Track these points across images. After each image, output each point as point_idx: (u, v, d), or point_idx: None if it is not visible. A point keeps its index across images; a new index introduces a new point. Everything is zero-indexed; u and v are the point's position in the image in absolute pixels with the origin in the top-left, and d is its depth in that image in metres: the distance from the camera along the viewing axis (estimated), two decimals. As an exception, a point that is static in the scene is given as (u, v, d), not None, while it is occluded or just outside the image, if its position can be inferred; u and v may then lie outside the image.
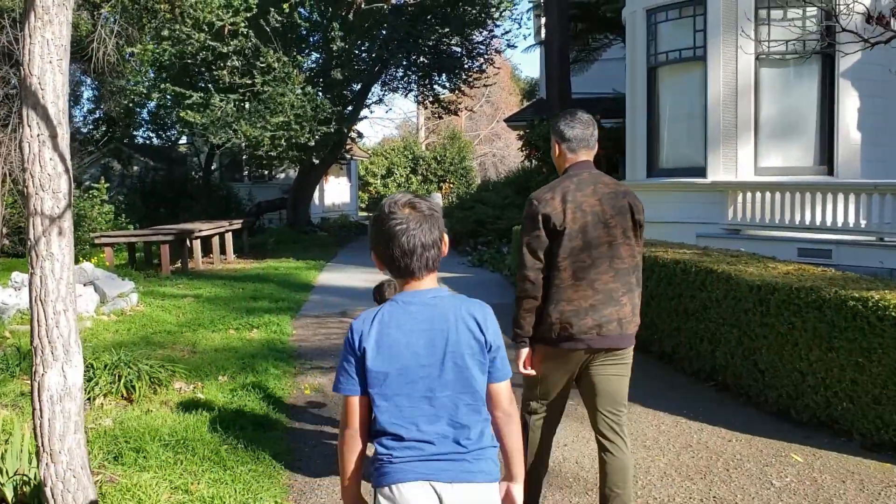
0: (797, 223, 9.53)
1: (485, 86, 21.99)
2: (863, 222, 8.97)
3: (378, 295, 4.79)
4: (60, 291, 3.23)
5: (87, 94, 23.63)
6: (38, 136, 3.11)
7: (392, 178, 43.37)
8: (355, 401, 2.14)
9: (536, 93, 65.68)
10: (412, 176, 43.64)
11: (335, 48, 14.82)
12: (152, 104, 20.34)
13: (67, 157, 3.25)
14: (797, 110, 10.33)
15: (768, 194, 9.85)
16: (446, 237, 2.26)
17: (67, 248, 3.26)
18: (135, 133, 23.15)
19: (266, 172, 26.74)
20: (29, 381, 6.74)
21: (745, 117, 10.25)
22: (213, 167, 23.01)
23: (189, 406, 5.80)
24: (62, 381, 3.34)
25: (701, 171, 10.58)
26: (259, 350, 7.74)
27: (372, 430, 2.16)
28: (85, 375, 5.94)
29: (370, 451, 2.14)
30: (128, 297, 10.22)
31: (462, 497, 2.08)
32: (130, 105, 18.17)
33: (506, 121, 27.49)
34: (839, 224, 9.16)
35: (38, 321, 3.24)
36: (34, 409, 3.39)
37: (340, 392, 2.15)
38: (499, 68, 22.72)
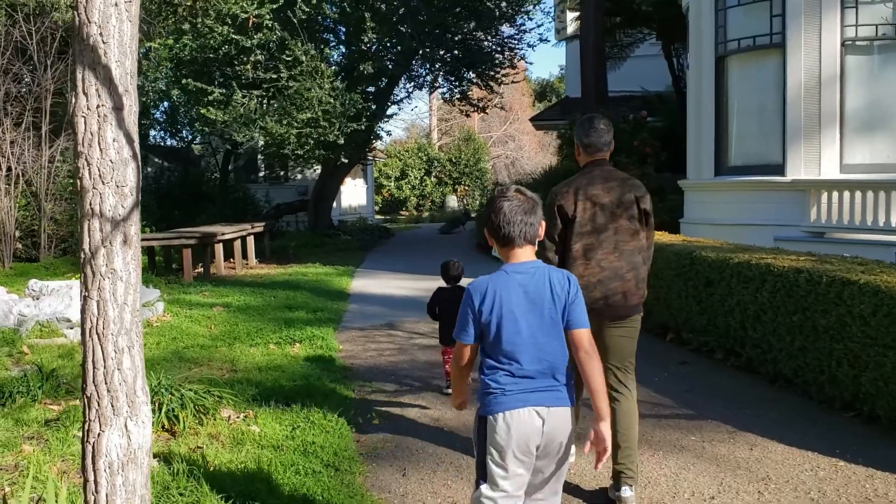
0: (894, 226, 8.61)
1: (513, 82, 21.09)
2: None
3: (444, 271, 6.09)
4: (124, 321, 2.34)
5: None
6: (99, 107, 2.21)
7: (406, 181, 42.53)
8: (468, 348, 2.82)
9: (548, 93, 65.11)
10: (426, 178, 42.81)
11: (366, 40, 13.94)
12: (166, 103, 19.52)
13: (135, 137, 2.36)
14: (886, 102, 9.42)
15: (858, 194, 8.94)
16: (544, 223, 2.90)
17: (134, 262, 2.36)
18: (151, 132, 22.25)
19: (283, 173, 25.92)
20: (54, 407, 5.89)
21: (829, 109, 9.34)
22: (229, 168, 22.14)
23: (243, 440, 4.91)
24: (125, 442, 2.46)
25: (778, 169, 9.68)
26: (308, 369, 6.85)
27: (484, 369, 2.78)
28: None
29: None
30: (153, 306, 9.35)
31: (557, 417, 2.72)
32: (146, 102, 17.24)
33: (531, 120, 26.59)
34: (945, 226, 8.25)
35: (93, 361, 2.35)
36: (86, 481, 2.50)
37: (460, 340, 2.83)
38: (520, 69, 21.77)
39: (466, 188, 42.77)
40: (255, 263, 15.81)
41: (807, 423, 5.21)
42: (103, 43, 2.20)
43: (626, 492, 3.98)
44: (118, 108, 2.25)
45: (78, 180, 2.28)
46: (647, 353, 7.39)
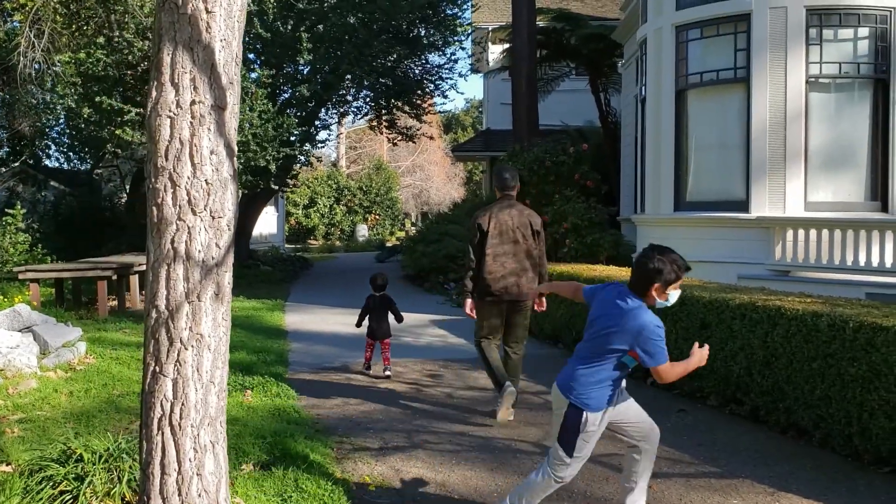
0: (862, 265, 8.51)
1: (439, 112, 20.69)
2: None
3: (372, 282, 8.08)
4: (209, 408, 1.63)
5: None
6: (194, 104, 1.53)
7: (315, 209, 41.45)
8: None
9: (454, 125, 65.36)
10: (336, 206, 41.84)
11: (302, 61, 13.19)
12: (62, 122, 18.13)
13: (234, 146, 1.66)
14: (849, 140, 9.42)
15: (825, 232, 8.84)
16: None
17: (225, 323, 1.66)
18: (48, 153, 20.63)
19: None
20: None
21: (794, 146, 9.25)
22: (138, 192, 20.76)
23: (224, 518, 4.10)
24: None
25: (742, 206, 9.50)
26: (273, 423, 6.04)
27: (611, 370, 3.89)
28: (73, 471, 4.29)
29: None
30: (75, 346, 8.28)
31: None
32: (42, 123, 15.83)
33: (453, 151, 26.27)
34: (916, 266, 8.19)
35: (161, 465, 1.62)
36: None
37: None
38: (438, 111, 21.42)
39: (377, 217, 42.06)
40: (172, 296, 14.65)
41: (845, 481, 4.81)
42: (207, 12, 1.50)
43: (507, 385, 6.09)
44: (220, 108, 1.58)
45: (153, 207, 1.57)
46: (638, 400, 6.93)
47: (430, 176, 55.20)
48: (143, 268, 11.54)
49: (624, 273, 8.75)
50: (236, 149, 1.73)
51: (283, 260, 20.97)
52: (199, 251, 1.60)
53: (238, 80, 1.68)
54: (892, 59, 9.21)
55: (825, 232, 8.84)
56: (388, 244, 30.94)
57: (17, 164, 19.85)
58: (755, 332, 6.04)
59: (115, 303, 12.61)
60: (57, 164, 21.86)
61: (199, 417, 1.64)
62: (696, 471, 5.08)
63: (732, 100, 9.68)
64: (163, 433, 1.63)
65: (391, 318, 8.04)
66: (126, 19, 13.50)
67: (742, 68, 9.48)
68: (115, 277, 11.97)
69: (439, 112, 20.77)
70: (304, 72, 14.67)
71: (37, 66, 15.01)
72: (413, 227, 42.18)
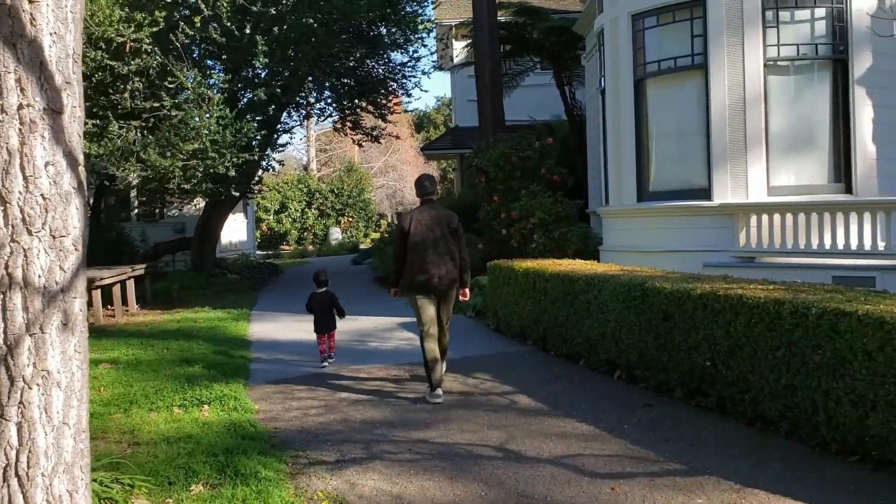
0: (828, 248, 8.43)
1: (405, 111, 20.51)
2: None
3: (316, 278, 8.72)
4: (64, 452, 1.44)
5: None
6: (22, 109, 1.32)
7: (286, 213, 41.07)
8: None
9: (425, 124, 65.25)
10: (308, 210, 41.48)
11: (258, 64, 12.93)
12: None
13: (80, 157, 1.46)
14: (810, 122, 9.34)
15: (789, 216, 8.75)
16: None
17: (79, 356, 1.46)
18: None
19: (158, 211, 24.20)
20: None
21: (755, 131, 9.16)
22: (100, 206, 20.36)
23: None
24: None
25: (705, 193, 9.41)
26: (226, 438, 5.82)
27: None
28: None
29: None
30: (25, 369, 7.99)
31: None
32: None
33: (423, 150, 26.08)
34: (881, 247, 8.11)
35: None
36: None
37: None
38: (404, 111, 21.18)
39: (350, 220, 41.76)
40: (137, 310, 14.34)
41: (813, 473, 4.69)
42: (29, 2, 1.31)
43: (438, 396, 6.85)
44: (55, 111, 1.39)
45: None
46: (603, 395, 6.81)
47: (404, 176, 54.96)
48: (108, 280, 11.14)
49: (588, 267, 8.62)
50: (81, 158, 1.53)
51: (251, 267, 20.67)
52: (40, 276, 1.40)
53: (78, 79, 1.48)
54: (850, 39, 9.14)
55: (789, 216, 8.76)
56: (363, 246, 30.67)
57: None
58: (717, 322, 5.92)
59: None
60: None
61: (52, 465, 1.44)
62: (661, 469, 4.93)
63: (691, 87, 9.58)
64: (9, 485, 1.43)
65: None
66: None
67: (699, 54, 9.38)
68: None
69: (408, 111, 20.62)
70: (263, 75, 14.40)
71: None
72: (388, 228, 41.93)
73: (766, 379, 5.47)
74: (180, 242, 19.56)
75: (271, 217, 40.98)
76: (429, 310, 6.93)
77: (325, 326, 8.59)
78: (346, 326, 11.04)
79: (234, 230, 29.93)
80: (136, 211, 24.08)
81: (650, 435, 5.61)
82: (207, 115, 12.54)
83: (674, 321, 6.41)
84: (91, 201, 19.14)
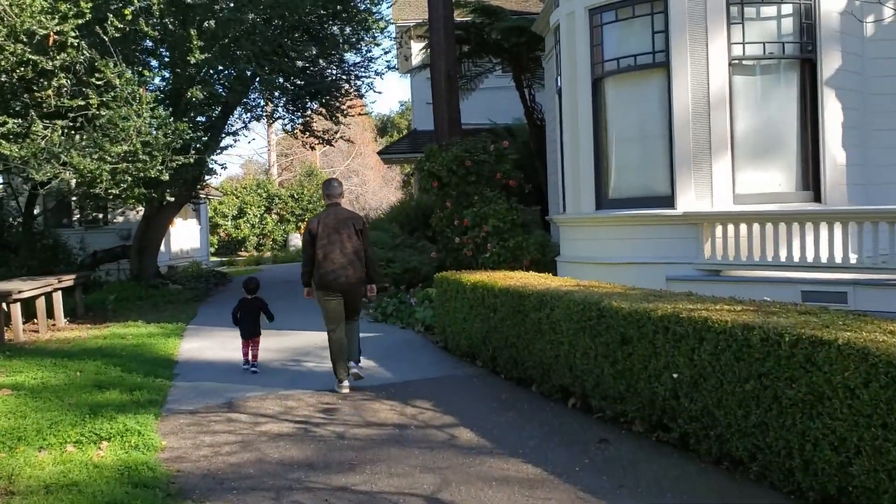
0: (797, 261, 7.82)
1: (360, 114, 19.74)
2: (882, 257, 7.36)
3: (246, 285, 9.06)
4: None
5: None
6: None
7: (245, 219, 40.01)
8: None
9: (389, 128, 64.54)
10: (267, 216, 40.45)
11: (193, 61, 12.04)
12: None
13: None
14: (777, 126, 8.75)
15: (756, 226, 8.13)
16: None
17: None
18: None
19: (101, 216, 23.11)
20: None
21: (720, 135, 8.53)
22: (35, 211, 19.24)
23: None
24: None
25: (667, 201, 8.76)
26: (117, 487, 5.02)
27: None
28: None
29: None
30: None
31: None
32: None
33: (380, 153, 25.30)
34: (852, 261, 7.52)
35: None
36: None
37: None
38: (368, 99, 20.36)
39: (310, 226, 40.75)
40: (65, 324, 13.36)
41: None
42: None
43: (353, 366, 7.57)
44: None
45: None
46: (554, 428, 6.08)
47: (366, 181, 54.16)
48: (29, 293, 10.23)
49: (542, 281, 7.91)
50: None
51: (197, 277, 19.69)
52: None
53: None
54: (818, 38, 8.57)
55: (756, 226, 8.14)
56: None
57: None
58: (680, 349, 5.23)
59: (-8, 336, 11.31)
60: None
61: None
62: (615, 525, 4.22)
63: (652, 86, 8.93)
64: None
65: (264, 318, 9.00)
66: (-5, 21, 12.17)
67: (661, 52, 8.73)
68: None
69: (369, 114, 19.81)
70: (201, 73, 13.53)
71: None
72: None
73: (734, 414, 4.79)
74: (122, 250, 18.52)
75: (229, 223, 39.89)
76: (337, 308, 7.48)
77: (248, 332, 8.82)
78: (284, 343, 10.24)
79: (186, 237, 28.88)
80: (78, 217, 22.98)
81: (604, 480, 4.89)
82: (137, 115, 11.63)
83: (632, 346, 5.71)
84: (23, 207, 18.07)
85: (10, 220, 18.10)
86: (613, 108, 9.23)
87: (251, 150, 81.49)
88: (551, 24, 10.73)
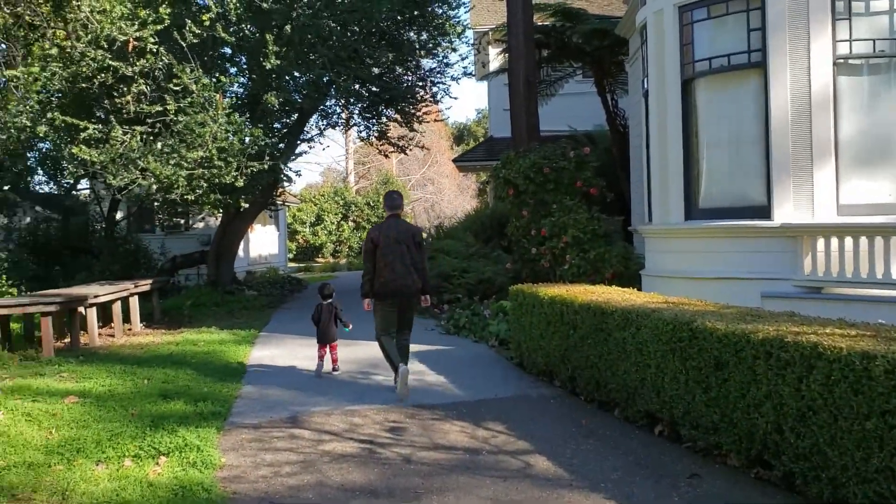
0: (909, 279, 7.08)
1: (435, 121, 19.45)
2: None
3: (321, 290, 9.17)
4: None
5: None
6: None
7: (322, 226, 40.36)
8: None
9: (465, 136, 64.30)
10: (343, 223, 40.71)
11: (269, 66, 11.93)
12: (46, 143, 17.00)
13: None
14: (886, 130, 7.99)
15: (863, 240, 7.42)
16: None
17: None
18: (28, 179, 19.44)
19: (182, 222, 23.47)
20: None
21: (822, 140, 7.85)
22: (117, 216, 19.61)
23: None
24: None
25: (764, 211, 8.11)
26: (169, 508, 4.73)
27: None
28: None
29: None
30: (-20, 400, 7.04)
31: None
32: (12, 144, 14.60)
33: (455, 161, 24.99)
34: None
35: None
36: None
37: None
38: (434, 119, 19.95)
39: (386, 233, 40.77)
40: (141, 329, 13.44)
41: None
42: None
43: (402, 368, 7.43)
44: None
45: None
46: (640, 459, 5.55)
47: (442, 189, 54.04)
48: (105, 298, 10.25)
49: (626, 297, 7.36)
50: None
51: (272, 283, 19.71)
52: None
53: None
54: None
55: (863, 240, 7.42)
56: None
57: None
58: (785, 377, 4.65)
59: (69, 341, 11.39)
60: (45, 189, 20.85)
61: None
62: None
63: (747, 88, 8.29)
64: None
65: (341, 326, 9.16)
66: (78, 29, 12.35)
67: (757, 51, 8.10)
68: (60, 312, 10.75)
69: (445, 121, 19.52)
70: (277, 79, 13.43)
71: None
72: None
73: (852, 456, 4.19)
74: (200, 256, 18.67)
75: (307, 229, 40.32)
76: (390, 317, 7.76)
77: (325, 337, 8.99)
78: (354, 354, 9.94)
79: (265, 242, 29.18)
80: (159, 223, 23.38)
81: (697, 523, 4.37)
82: (213, 121, 11.56)
83: (728, 371, 5.15)
84: (105, 212, 18.41)
85: (94, 225, 18.45)
86: (705, 111, 8.62)
87: (329, 157, 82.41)
88: (637, 24, 10.17)
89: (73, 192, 19.52)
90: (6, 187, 17.70)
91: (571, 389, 7.55)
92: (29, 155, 18.53)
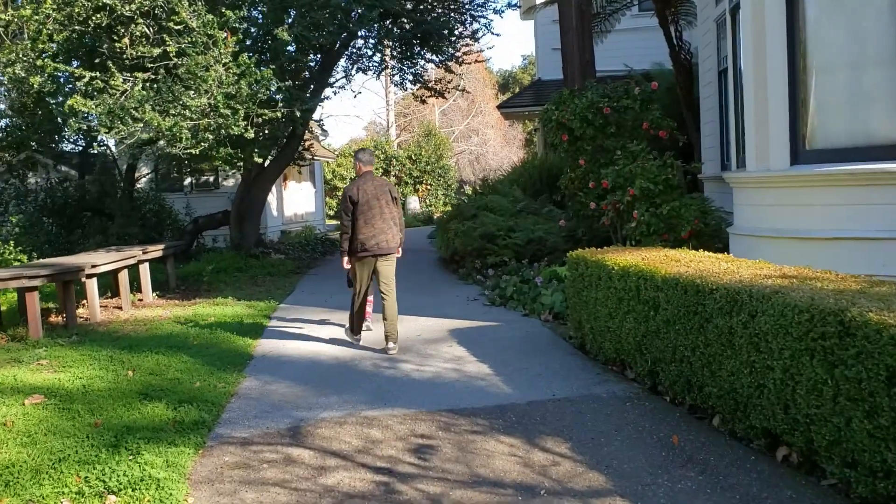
0: None
1: (476, 62, 17.58)
2: None
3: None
4: None
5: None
6: None
7: (363, 181, 38.78)
8: None
9: (511, 84, 61.85)
10: (385, 178, 39.12)
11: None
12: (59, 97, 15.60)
13: None
14: None
15: None
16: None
17: None
18: (60, 136, 18.11)
19: (211, 179, 22.12)
20: None
21: None
22: (138, 174, 18.25)
23: None
24: None
25: (901, 152, 6.20)
26: None
27: None
28: None
29: None
30: None
31: None
32: (35, 97, 13.15)
33: (499, 107, 23.05)
34: None
35: None
36: None
37: None
38: (475, 60, 17.93)
39: (428, 187, 39.13)
40: (153, 299, 12.08)
41: None
42: None
43: (391, 347, 7.64)
44: None
45: None
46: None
47: (487, 140, 51.94)
48: (105, 268, 8.80)
49: (727, 267, 5.60)
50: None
51: (303, 245, 18.25)
52: None
53: None
54: None
55: None
56: (437, 217, 27.96)
57: (18, 153, 17.39)
58: (842, 367, 2.91)
59: (65, 317, 10.05)
60: (75, 147, 19.55)
61: None
62: None
63: (880, -10, 6.34)
64: None
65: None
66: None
67: (896, -62, 6.12)
68: (51, 286, 9.38)
69: (486, 61, 17.70)
70: (293, 15, 11.73)
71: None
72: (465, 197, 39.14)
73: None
74: (223, 216, 17.24)
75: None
76: (366, 271, 7.76)
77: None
78: (378, 333, 8.40)
79: (300, 200, 27.77)
80: (188, 181, 22.06)
81: None
82: (218, 62, 9.95)
83: (910, 388, 3.42)
84: (122, 171, 17.05)
85: (111, 185, 17.08)
86: (816, 22, 6.70)
87: (371, 111, 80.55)
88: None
89: (91, 150, 18.11)
90: (34, 146, 16.36)
91: (651, 386, 5.88)
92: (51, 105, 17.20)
